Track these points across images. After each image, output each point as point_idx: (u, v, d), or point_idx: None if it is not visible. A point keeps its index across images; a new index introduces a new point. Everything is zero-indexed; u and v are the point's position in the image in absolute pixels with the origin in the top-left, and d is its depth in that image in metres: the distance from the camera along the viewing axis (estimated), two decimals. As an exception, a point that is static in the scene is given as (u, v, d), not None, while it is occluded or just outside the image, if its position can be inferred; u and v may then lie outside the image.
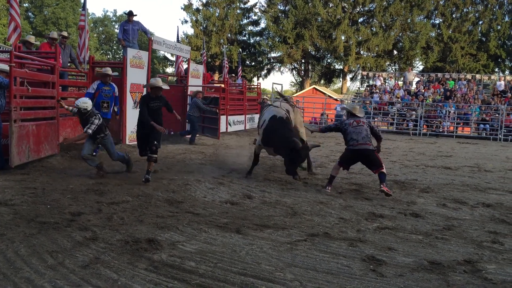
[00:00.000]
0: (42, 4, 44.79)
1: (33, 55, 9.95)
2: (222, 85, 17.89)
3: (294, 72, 44.17)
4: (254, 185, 7.72)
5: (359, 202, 6.79)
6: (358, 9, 37.85)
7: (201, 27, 39.77)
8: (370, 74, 30.71)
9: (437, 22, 37.40)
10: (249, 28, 41.67)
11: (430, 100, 23.68)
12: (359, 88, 32.71)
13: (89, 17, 44.65)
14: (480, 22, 35.86)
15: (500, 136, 20.69)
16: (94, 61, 12.75)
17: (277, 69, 42.85)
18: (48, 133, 8.92)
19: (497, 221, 5.95)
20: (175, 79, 19.18)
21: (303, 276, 3.85)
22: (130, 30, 12.78)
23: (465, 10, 36.37)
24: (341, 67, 40.82)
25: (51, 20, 43.61)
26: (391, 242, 4.89)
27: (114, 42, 51.73)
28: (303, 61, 41.70)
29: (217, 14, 39.52)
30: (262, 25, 41.39)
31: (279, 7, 40.03)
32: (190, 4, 40.12)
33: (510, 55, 36.02)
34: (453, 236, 5.20)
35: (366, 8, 37.67)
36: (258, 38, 41.53)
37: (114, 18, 54.23)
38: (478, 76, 28.37)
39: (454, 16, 36.48)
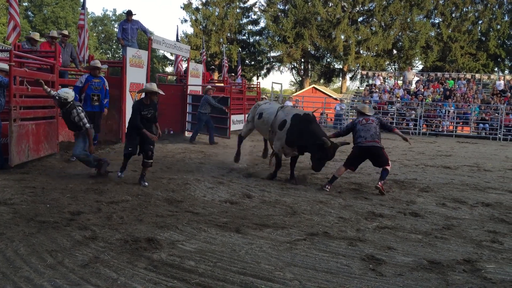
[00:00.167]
0: (42, 3, 44.78)
1: (33, 54, 9.94)
2: (223, 84, 17.87)
3: (293, 71, 44.21)
4: (254, 185, 7.72)
5: (358, 201, 6.79)
6: (357, 9, 37.83)
7: (200, 26, 39.74)
8: (370, 73, 30.72)
9: (437, 21, 37.39)
10: (249, 27, 41.67)
11: (430, 99, 23.68)
12: (358, 87, 32.76)
13: (89, 16, 44.63)
14: (480, 22, 35.85)
15: (499, 135, 20.69)
16: (94, 60, 12.74)
17: (277, 69, 42.87)
18: (48, 132, 8.92)
19: (497, 220, 5.96)
20: (174, 78, 19.18)
21: (303, 276, 3.85)
22: (129, 29, 12.77)
23: (464, 9, 36.36)
24: (341, 66, 40.82)
25: (51, 19, 43.59)
26: (390, 241, 4.90)
27: (114, 41, 51.72)
28: (302, 60, 41.69)
29: (216, 13, 39.49)
30: (262, 24, 41.43)
31: (278, 6, 40.01)
32: (190, 3, 40.12)
33: (510, 54, 36.03)
34: (452, 235, 5.20)
35: (365, 8, 37.66)
36: (257, 37, 41.51)
37: (114, 17, 54.27)
38: (477, 76, 28.38)
39: (453, 15, 36.48)
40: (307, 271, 3.96)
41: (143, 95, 7.59)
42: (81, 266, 3.84)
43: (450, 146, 16.61)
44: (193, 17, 40.18)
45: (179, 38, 19.46)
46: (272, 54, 41.46)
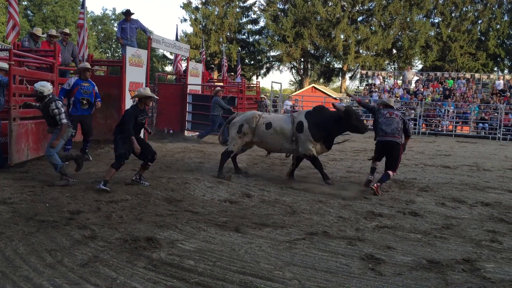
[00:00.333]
0: (41, 2, 44.76)
1: (32, 53, 9.93)
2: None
3: (293, 71, 44.18)
4: (253, 184, 7.72)
5: (358, 201, 6.80)
6: (357, 8, 37.80)
7: (200, 26, 39.71)
8: (369, 73, 30.71)
9: (436, 21, 37.35)
10: (248, 27, 41.62)
11: (429, 99, 23.68)
12: (358, 87, 32.77)
13: (88, 15, 44.58)
14: (479, 21, 35.81)
15: (499, 135, 20.69)
16: (93, 59, 12.75)
17: (276, 68, 42.85)
18: (47, 133, 8.90)
19: (496, 220, 5.96)
20: (174, 77, 19.18)
21: (302, 275, 3.85)
22: (128, 28, 12.76)
23: (464, 9, 36.32)
24: (340, 66, 40.78)
25: (50, 18, 43.56)
26: (390, 241, 4.90)
27: (113, 40, 51.71)
28: (302, 59, 41.67)
29: (216, 12, 39.45)
30: (262, 23, 41.38)
31: (278, 5, 39.98)
32: (189, 3, 40.07)
33: (509, 54, 35.99)
34: (451, 235, 5.20)
35: (365, 7, 37.62)
36: (257, 36, 41.48)
37: (113, 17, 54.22)
38: (477, 75, 28.36)
39: (453, 15, 36.44)
40: (307, 270, 3.96)
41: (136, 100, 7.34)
42: (80, 265, 3.85)
43: (450, 145, 16.61)
44: (193, 16, 40.16)
45: (178, 37, 19.46)
46: (272, 53, 41.47)
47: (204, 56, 20.57)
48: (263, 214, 5.80)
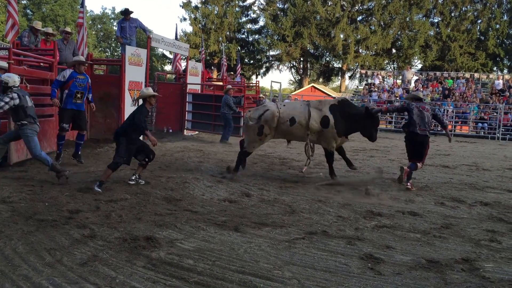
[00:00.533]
0: (40, 1, 44.74)
1: (31, 52, 9.92)
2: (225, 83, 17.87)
3: (292, 70, 44.23)
4: (253, 183, 7.72)
5: (357, 200, 6.79)
6: (357, 8, 37.84)
7: (199, 25, 39.72)
8: (369, 72, 30.72)
9: (436, 20, 37.39)
10: (248, 26, 41.63)
11: (429, 98, 23.68)
12: (357, 86, 32.74)
13: (88, 15, 44.58)
14: (479, 21, 35.84)
15: (498, 135, 20.71)
16: (93, 58, 12.75)
17: (276, 67, 42.88)
18: (46, 131, 8.90)
19: (495, 219, 5.97)
20: (173, 76, 19.18)
21: (301, 274, 3.85)
22: (127, 27, 12.76)
23: (463, 9, 36.35)
24: (340, 65, 40.83)
25: (49, 17, 43.54)
26: (389, 240, 4.90)
27: (113, 39, 51.68)
28: (301, 59, 41.70)
29: (215, 11, 39.45)
30: (261, 23, 41.40)
31: (278, 5, 40.01)
32: (189, 2, 40.07)
33: (509, 54, 36.02)
34: (451, 234, 5.21)
35: (365, 7, 37.64)
36: (256, 36, 41.51)
37: (113, 16, 54.17)
38: (476, 75, 28.38)
39: (452, 14, 36.47)
40: (306, 270, 3.96)
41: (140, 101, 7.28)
42: (79, 264, 3.84)
43: (449, 145, 16.60)
44: (192, 16, 40.16)
45: (178, 36, 19.45)
46: (271, 53, 41.52)
47: (204, 56, 20.56)
48: (263, 214, 5.80)
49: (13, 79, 7.01)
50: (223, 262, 4.03)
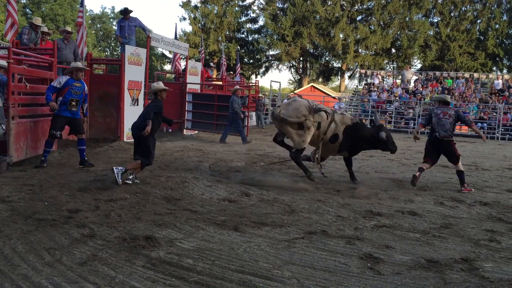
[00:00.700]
0: (40, 1, 44.69)
1: (31, 51, 9.92)
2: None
3: (292, 70, 44.18)
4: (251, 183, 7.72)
5: (356, 200, 6.80)
6: (356, 7, 37.81)
7: (199, 25, 39.67)
8: (368, 72, 30.73)
9: (435, 20, 37.35)
10: (248, 26, 41.57)
11: (428, 98, 23.70)
12: (357, 86, 32.76)
13: (87, 14, 44.56)
14: (478, 21, 35.81)
15: (497, 134, 20.73)
16: (92, 57, 12.74)
17: (275, 67, 42.82)
18: (46, 130, 8.88)
19: (494, 219, 5.97)
20: (173, 76, 19.18)
21: (301, 274, 3.85)
22: (126, 26, 12.75)
23: (463, 8, 36.32)
24: (339, 65, 40.80)
25: (49, 16, 43.49)
26: (388, 240, 4.90)
27: (112, 39, 51.65)
28: (301, 59, 41.66)
29: (215, 11, 39.40)
30: (261, 22, 41.32)
31: (277, 4, 39.95)
32: (189, 1, 40.02)
33: (508, 53, 36.02)
34: (450, 234, 5.21)
35: (364, 6, 37.61)
36: (256, 35, 41.44)
37: (112, 15, 54.14)
38: (476, 75, 28.37)
39: (452, 14, 36.45)
40: (305, 269, 3.96)
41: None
42: (79, 264, 3.84)
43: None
44: (192, 15, 40.11)
45: (177, 36, 19.45)
46: (271, 52, 41.44)
47: (203, 55, 20.56)
48: (262, 213, 5.80)
49: None
50: (222, 262, 4.03)
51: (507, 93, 22.70)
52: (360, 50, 37.97)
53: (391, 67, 38.48)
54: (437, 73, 28.11)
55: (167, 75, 22.58)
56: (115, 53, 51.20)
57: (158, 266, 3.86)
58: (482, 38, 35.92)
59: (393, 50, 38.21)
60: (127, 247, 4.28)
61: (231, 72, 25.04)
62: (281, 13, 39.11)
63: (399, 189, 7.77)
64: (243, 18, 41.32)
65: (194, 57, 33.01)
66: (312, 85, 40.12)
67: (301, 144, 7.66)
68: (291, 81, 51.29)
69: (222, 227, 5.10)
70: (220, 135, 14.20)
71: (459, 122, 8.26)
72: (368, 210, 6.19)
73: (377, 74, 28.51)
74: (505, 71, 36.34)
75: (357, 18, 37.78)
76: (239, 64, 25.56)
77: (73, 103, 8.24)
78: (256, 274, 3.79)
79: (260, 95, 21.91)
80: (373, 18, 37.07)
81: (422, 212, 6.21)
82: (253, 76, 42.15)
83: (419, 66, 38.77)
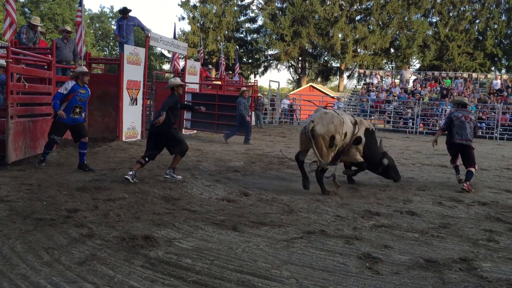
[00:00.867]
0: (39, 0, 44.60)
1: (29, 50, 9.91)
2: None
3: (291, 69, 44.18)
4: (251, 183, 7.72)
5: (355, 200, 6.80)
6: (355, 7, 37.82)
7: (198, 24, 39.65)
8: (367, 72, 30.74)
9: (434, 20, 37.40)
10: (246, 25, 41.57)
11: (427, 98, 23.72)
12: (356, 86, 32.74)
13: (86, 13, 44.48)
14: (477, 21, 35.87)
15: (496, 134, 20.74)
16: (91, 57, 12.73)
17: (274, 67, 42.84)
18: (45, 130, 8.89)
19: (493, 219, 5.98)
20: (172, 76, 19.17)
21: (299, 274, 3.85)
22: (124, 25, 12.74)
23: (462, 8, 36.38)
24: (338, 65, 40.82)
25: (48, 15, 43.41)
26: (387, 240, 4.90)
27: (111, 38, 51.58)
28: (300, 58, 41.68)
29: (214, 11, 39.38)
30: (259, 22, 41.33)
31: (276, 4, 39.97)
32: (188, 1, 40.00)
33: (507, 54, 36.06)
34: (448, 234, 5.21)
35: (363, 6, 37.63)
36: (255, 35, 41.43)
37: (111, 15, 54.06)
38: (474, 75, 28.41)
39: (451, 14, 36.50)
40: (304, 269, 3.97)
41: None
42: (77, 263, 3.84)
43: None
44: (191, 15, 40.09)
45: (176, 35, 19.44)
46: (270, 52, 41.44)
47: (202, 55, 20.55)
48: (261, 213, 5.80)
49: None
50: (221, 261, 4.03)
51: (506, 93, 22.73)
52: (359, 50, 37.99)
53: (390, 67, 38.52)
54: (436, 73, 28.13)
55: (166, 74, 22.56)
56: (113, 52, 51.12)
57: (156, 266, 3.86)
58: (480, 38, 35.97)
59: (392, 50, 38.24)
60: (126, 246, 4.28)
61: (230, 72, 25.04)
62: (280, 12, 39.13)
63: (397, 189, 7.77)
64: (242, 18, 41.34)
65: (193, 56, 33.00)
66: (311, 85, 40.10)
67: (327, 162, 7.16)
68: (290, 81, 51.34)
69: (221, 226, 5.10)
70: (220, 135, 14.23)
71: None
72: (367, 210, 6.20)
73: (375, 74, 28.53)
74: (503, 71, 36.40)
75: (356, 18, 37.82)
76: (238, 64, 25.56)
77: (77, 109, 8.10)
78: (255, 274, 3.79)
79: (259, 94, 21.90)
80: (372, 18, 37.10)
81: (420, 212, 6.21)
82: (252, 76, 42.16)
83: (417, 66, 38.84)
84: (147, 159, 7.31)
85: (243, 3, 40.87)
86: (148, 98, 15.38)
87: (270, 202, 6.41)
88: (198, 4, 40.00)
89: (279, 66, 42.67)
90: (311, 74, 44.17)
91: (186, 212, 5.66)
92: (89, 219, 5.11)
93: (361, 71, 32.92)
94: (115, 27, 13.99)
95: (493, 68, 37.13)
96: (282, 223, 5.37)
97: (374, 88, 25.99)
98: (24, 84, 8.25)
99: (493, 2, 35.33)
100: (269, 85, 28.34)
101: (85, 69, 8.48)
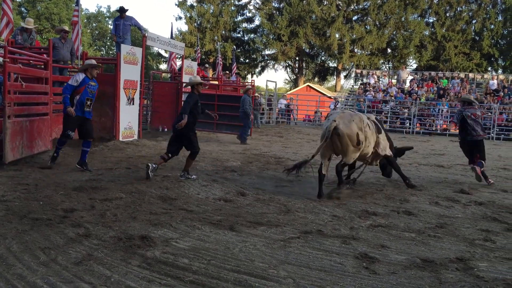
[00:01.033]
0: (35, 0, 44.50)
1: (26, 50, 9.88)
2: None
3: (288, 69, 44.19)
4: (248, 183, 7.72)
5: (352, 199, 6.81)
6: (352, 7, 37.86)
7: (195, 24, 39.61)
8: (364, 72, 30.76)
9: (431, 20, 37.47)
10: (244, 25, 41.56)
11: (424, 98, 23.77)
12: (353, 86, 32.76)
13: (83, 13, 44.40)
14: (474, 21, 35.97)
15: (492, 134, 20.78)
16: (88, 57, 12.70)
17: (271, 67, 42.84)
18: (41, 129, 8.88)
19: (489, 219, 5.99)
20: (169, 75, 19.15)
21: (296, 273, 3.86)
22: (121, 25, 12.73)
23: (458, 9, 36.47)
24: (335, 65, 40.84)
25: (44, 15, 43.31)
26: (384, 239, 4.91)
27: (108, 38, 51.49)
28: (297, 58, 41.68)
29: (211, 10, 39.37)
30: (257, 22, 41.33)
31: (273, 4, 39.95)
32: (185, 1, 39.98)
33: (503, 54, 36.19)
34: (445, 234, 5.23)
35: (360, 6, 37.68)
36: (252, 35, 41.42)
37: (108, 14, 53.97)
38: (471, 75, 28.48)
39: (447, 15, 36.58)
40: (301, 269, 3.97)
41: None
42: (74, 263, 3.83)
43: (444, 145, 16.68)
44: (188, 15, 40.05)
45: (173, 35, 19.41)
46: (267, 52, 41.44)
47: (199, 54, 20.53)
48: (258, 213, 5.80)
49: None
50: (218, 261, 4.03)
51: (502, 93, 22.79)
52: (356, 50, 38.05)
53: (387, 67, 38.57)
54: (433, 73, 28.20)
55: (163, 74, 22.53)
56: (110, 52, 51.00)
57: (153, 266, 3.86)
58: (477, 38, 36.07)
59: (389, 50, 38.30)
60: (123, 246, 4.28)
61: (227, 72, 25.02)
62: (277, 12, 39.13)
63: (394, 188, 7.79)
64: (239, 18, 41.32)
65: (190, 56, 32.95)
66: (308, 85, 40.15)
67: (353, 159, 7.20)
68: (287, 81, 51.23)
69: (218, 226, 5.10)
70: (219, 135, 14.26)
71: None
72: (364, 209, 6.20)
73: (372, 74, 28.56)
74: (500, 71, 36.50)
75: (353, 18, 37.85)
76: (235, 64, 25.53)
77: (88, 102, 8.01)
78: (252, 274, 3.79)
79: (256, 94, 21.90)
80: (368, 18, 37.16)
81: (417, 211, 6.22)
82: (249, 76, 42.14)
83: (414, 66, 38.94)
84: (170, 154, 7.72)
85: (240, 3, 40.87)
86: (145, 98, 15.35)
87: (267, 202, 6.42)
88: (195, 4, 39.97)
89: (276, 66, 42.70)
90: (308, 74, 44.20)
91: (183, 212, 5.65)
92: (86, 219, 5.10)
93: (358, 71, 32.97)
94: (112, 27, 13.97)
95: (489, 68, 37.23)
96: (279, 223, 5.37)
97: (371, 88, 26.02)
98: (21, 84, 8.23)
99: (489, 2, 35.43)
100: (266, 85, 28.36)
101: (93, 61, 8.31)
